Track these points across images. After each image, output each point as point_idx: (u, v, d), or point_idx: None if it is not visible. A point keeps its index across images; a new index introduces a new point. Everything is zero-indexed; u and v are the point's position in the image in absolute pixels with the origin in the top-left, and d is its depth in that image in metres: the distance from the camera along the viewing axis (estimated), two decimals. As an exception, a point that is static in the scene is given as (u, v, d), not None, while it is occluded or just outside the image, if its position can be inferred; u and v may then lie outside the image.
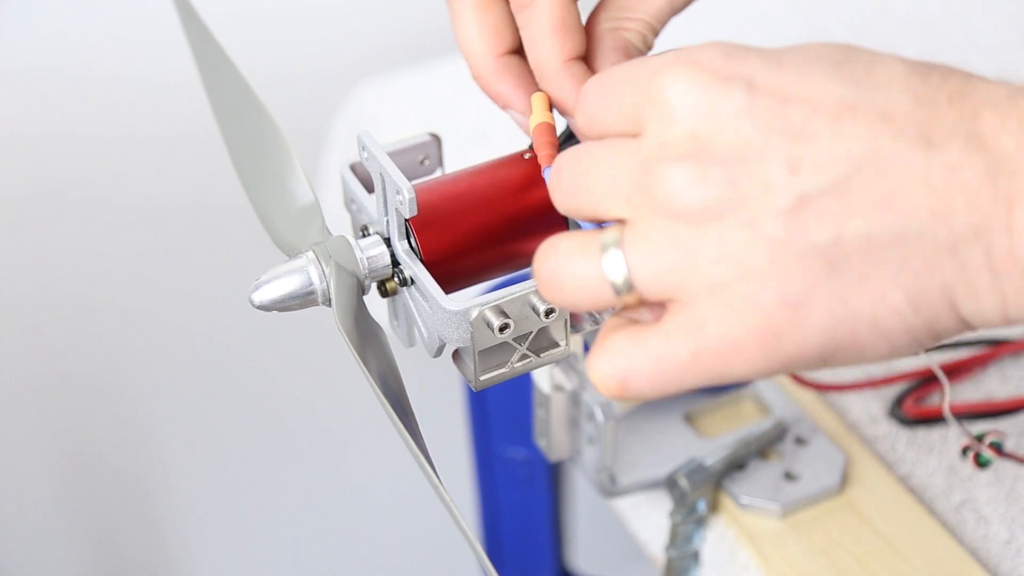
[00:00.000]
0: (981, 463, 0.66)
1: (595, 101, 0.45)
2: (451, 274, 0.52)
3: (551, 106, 0.51)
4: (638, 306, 0.44)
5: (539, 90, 0.52)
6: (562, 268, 0.44)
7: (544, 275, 0.44)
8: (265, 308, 0.52)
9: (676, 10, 0.53)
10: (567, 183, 0.45)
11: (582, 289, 0.43)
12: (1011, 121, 0.39)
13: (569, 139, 0.52)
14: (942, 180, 0.39)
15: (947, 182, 0.39)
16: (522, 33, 0.52)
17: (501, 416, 0.86)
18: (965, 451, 0.66)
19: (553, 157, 0.49)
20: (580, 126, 0.46)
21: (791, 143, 0.40)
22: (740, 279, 0.41)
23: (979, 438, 0.65)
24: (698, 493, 0.68)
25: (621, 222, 0.43)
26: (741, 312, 0.41)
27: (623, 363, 0.43)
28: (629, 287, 0.42)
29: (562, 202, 0.45)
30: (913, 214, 0.39)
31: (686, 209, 0.41)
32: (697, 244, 0.41)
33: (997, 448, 0.65)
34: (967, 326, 0.41)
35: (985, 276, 0.39)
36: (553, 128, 0.51)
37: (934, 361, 0.73)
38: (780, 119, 0.40)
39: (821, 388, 0.73)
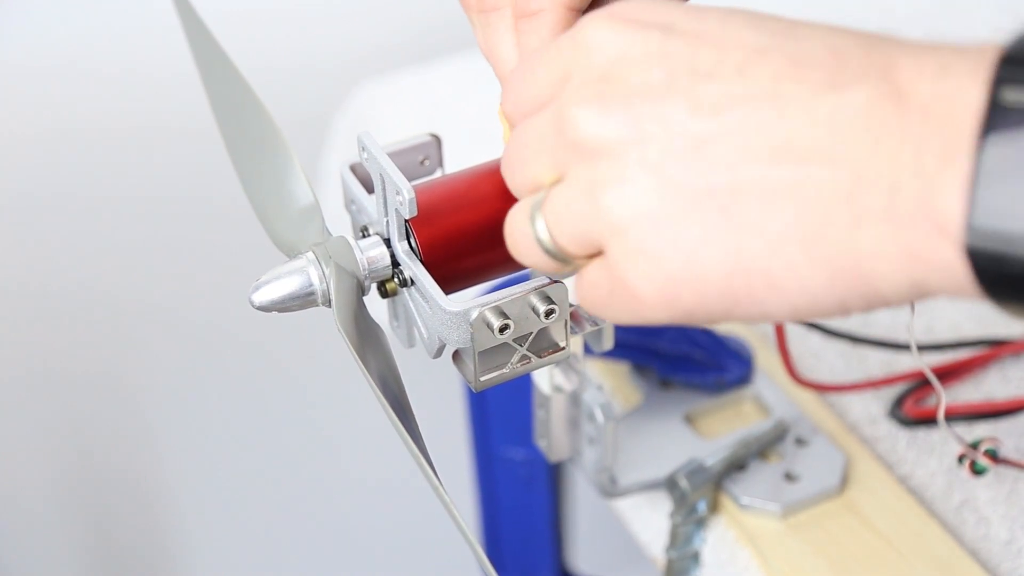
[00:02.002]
0: (977, 471, 0.65)
1: (518, 80, 0.44)
2: (451, 275, 0.52)
3: None
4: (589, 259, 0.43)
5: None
6: (513, 233, 0.44)
7: (506, 240, 0.45)
8: (265, 309, 0.52)
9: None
10: (507, 160, 0.45)
11: (528, 255, 0.44)
12: (928, 68, 0.36)
13: None
14: (846, 122, 0.37)
15: (851, 124, 0.37)
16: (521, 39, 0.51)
17: (501, 417, 0.86)
18: (961, 459, 0.66)
19: None
20: (507, 110, 0.45)
21: (696, 83, 0.39)
22: (636, 223, 0.40)
23: (974, 445, 0.65)
24: (698, 494, 0.68)
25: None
26: (638, 258, 0.40)
27: (578, 288, 0.44)
28: (559, 250, 0.43)
29: (511, 182, 0.45)
30: (812, 158, 0.37)
31: (590, 149, 0.41)
32: (601, 188, 0.40)
33: (992, 456, 0.65)
34: (878, 295, 0.38)
35: (885, 227, 0.36)
36: None
37: (928, 364, 0.73)
38: (690, 61, 0.40)
39: (821, 389, 0.73)
